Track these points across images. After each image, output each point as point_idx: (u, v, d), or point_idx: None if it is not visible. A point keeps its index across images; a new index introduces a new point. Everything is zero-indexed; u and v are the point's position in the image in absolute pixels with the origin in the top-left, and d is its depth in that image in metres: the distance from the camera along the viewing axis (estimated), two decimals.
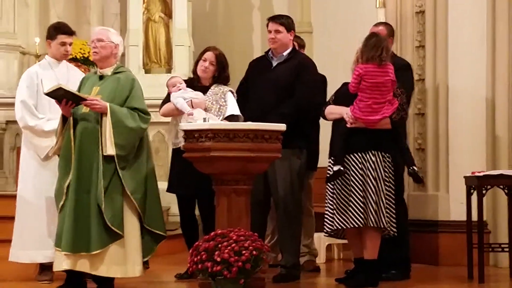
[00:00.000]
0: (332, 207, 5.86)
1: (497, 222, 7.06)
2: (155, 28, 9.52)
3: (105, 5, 10.27)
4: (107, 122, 5.38)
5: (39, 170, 5.94)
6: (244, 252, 4.96)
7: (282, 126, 5.56)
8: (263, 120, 5.69)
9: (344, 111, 5.85)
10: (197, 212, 6.41)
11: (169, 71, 9.25)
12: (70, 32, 6.20)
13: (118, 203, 5.40)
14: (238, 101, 6.18)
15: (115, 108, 5.43)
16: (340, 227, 5.82)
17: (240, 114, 5.99)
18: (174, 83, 6.28)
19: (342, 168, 5.74)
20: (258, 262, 5.04)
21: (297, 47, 6.56)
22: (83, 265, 5.37)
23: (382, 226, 5.74)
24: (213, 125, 5.44)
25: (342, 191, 5.80)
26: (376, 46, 5.77)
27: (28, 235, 5.96)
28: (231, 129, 5.39)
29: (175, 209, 6.85)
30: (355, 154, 5.78)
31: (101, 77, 5.66)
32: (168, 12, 9.55)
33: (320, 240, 7.29)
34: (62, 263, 5.39)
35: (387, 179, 5.80)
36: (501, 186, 6.30)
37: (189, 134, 5.46)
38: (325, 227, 5.93)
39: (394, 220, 5.82)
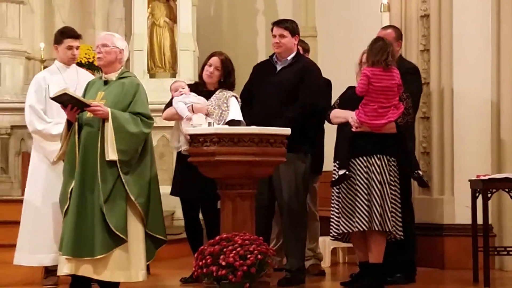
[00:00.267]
0: (337, 211, 5.86)
1: (502, 225, 7.05)
2: (159, 32, 9.54)
3: (110, 10, 10.30)
4: (109, 127, 5.38)
5: (48, 174, 5.95)
6: (249, 256, 4.97)
7: (287, 130, 5.56)
8: (268, 124, 5.69)
9: (349, 115, 5.85)
10: (201, 216, 6.41)
11: (173, 75, 9.26)
12: (76, 36, 6.23)
13: (122, 208, 5.40)
14: (241, 105, 6.18)
15: (116, 114, 5.43)
16: (345, 231, 5.81)
17: (242, 119, 5.98)
18: (177, 88, 6.29)
19: (347, 172, 5.74)
20: (263, 266, 5.04)
21: (301, 52, 6.56)
22: (86, 270, 5.36)
23: (387, 230, 5.73)
24: (218, 129, 5.44)
25: (348, 195, 5.80)
26: (382, 51, 5.78)
27: (37, 239, 5.97)
28: (236, 134, 5.39)
29: (179, 213, 6.87)
30: (360, 158, 5.78)
31: (106, 82, 5.67)
32: (172, 17, 9.57)
33: (325, 244, 7.28)
34: (63, 267, 5.39)
35: (392, 183, 5.80)
36: (506, 190, 6.28)
37: (194, 139, 5.47)
38: (331, 231, 5.93)
39: (400, 224, 5.82)
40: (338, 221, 5.85)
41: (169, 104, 6.30)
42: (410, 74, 6.25)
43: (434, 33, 7.28)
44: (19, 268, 6.49)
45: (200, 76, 6.38)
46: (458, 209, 7.07)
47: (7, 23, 9.87)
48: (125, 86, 5.59)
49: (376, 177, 5.74)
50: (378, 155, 5.78)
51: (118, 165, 5.37)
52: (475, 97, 7.16)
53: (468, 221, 6.46)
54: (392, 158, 5.83)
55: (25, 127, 9.48)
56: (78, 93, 5.67)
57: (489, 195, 6.19)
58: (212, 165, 5.41)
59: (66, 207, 5.44)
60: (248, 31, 10.20)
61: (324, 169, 6.77)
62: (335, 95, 6.42)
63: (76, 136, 5.49)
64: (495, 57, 7.13)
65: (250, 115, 6.12)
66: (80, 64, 9.03)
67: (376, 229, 5.70)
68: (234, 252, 4.98)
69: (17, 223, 7.62)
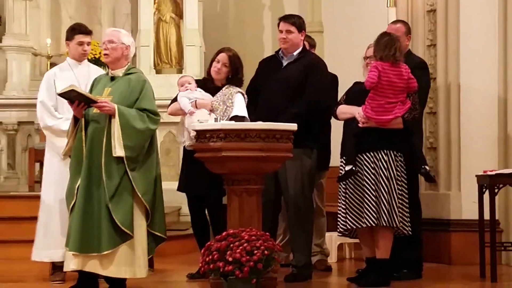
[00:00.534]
0: (344, 206, 5.86)
1: (509, 220, 7.04)
2: (166, 28, 9.54)
3: (116, 6, 10.31)
4: (116, 124, 5.39)
5: (59, 169, 5.96)
6: (255, 251, 4.97)
7: (293, 126, 5.55)
8: (273, 119, 5.69)
9: (355, 111, 5.84)
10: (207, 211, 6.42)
11: (180, 71, 9.27)
12: (86, 32, 6.25)
13: (128, 204, 5.41)
14: (247, 102, 6.17)
15: (123, 110, 5.44)
16: (353, 227, 5.81)
17: (247, 116, 5.97)
18: (183, 83, 6.31)
19: (354, 168, 5.74)
20: (270, 262, 5.04)
21: (307, 47, 6.55)
22: (92, 266, 5.38)
23: (395, 226, 5.73)
24: (224, 125, 5.44)
25: (355, 190, 5.80)
26: (389, 46, 5.77)
27: (48, 234, 6.00)
28: (242, 129, 5.39)
29: (186, 209, 6.87)
30: (368, 154, 5.78)
31: (113, 78, 5.68)
32: (179, 13, 9.57)
33: (332, 240, 7.28)
34: (70, 263, 5.41)
35: (399, 178, 5.80)
36: None
37: (200, 134, 5.47)
38: (338, 226, 5.93)
39: (407, 220, 5.81)
40: (345, 217, 5.85)
41: (175, 99, 6.31)
42: (419, 69, 6.23)
43: (440, 28, 7.26)
44: (26, 264, 6.51)
45: (208, 72, 6.38)
46: (465, 205, 7.06)
47: (14, 19, 9.90)
48: (132, 82, 5.60)
49: (384, 172, 5.74)
50: (385, 151, 5.78)
51: (125, 161, 5.39)
52: (482, 92, 7.14)
53: (475, 216, 6.46)
54: (399, 154, 5.83)
55: (32, 123, 9.63)
56: (88, 89, 5.69)
57: (496, 190, 6.18)
58: (219, 160, 5.42)
59: (72, 203, 5.46)
60: (254, 26, 10.19)
61: (331, 164, 6.78)
62: (341, 90, 6.42)
63: (83, 132, 5.50)
64: (502, 52, 7.11)
65: (256, 111, 6.12)
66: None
67: (384, 224, 5.70)
68: (240, 247, 4.98)
69: (23, 219, 7.69)
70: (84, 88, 5.79)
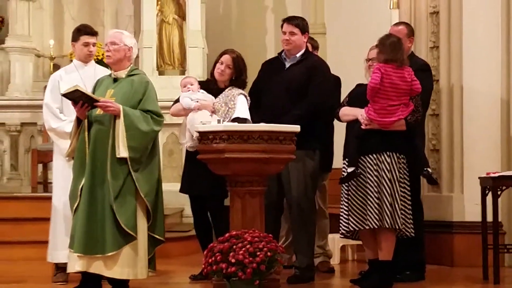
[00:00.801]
0: (347, 208, 5.86)
1: None
2: (168, 29, 9.55)
3: (119, 7, 10.32)
4: (120, 124, 5.40)
5: (65, 171, 5.96)
6: (258, 253, 4.97)
7: (296, 128, 5.55)
8: (276, 121, 5.69)
9: (358, 113, 5.85)
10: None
11: (182, 72, 9.27)
12: (92, 33, 6.26)
13: (132, 206, 5.42)
14: (250, 104, 6.17)
15: (128, 111, 5.45)
16: (356, 229, 5.81)
17: (249, 117, 5.97)
18: (185, 84, 6.31)
19: (356, 170, 5.74)
20: (273, 263, 5.04)
21: (310, 49, 6.56)
22: (97, 267, 5.39)
23: (397, 227, 5.73)
24: (227, 126, 5.44)
25: (358, 192, 5.80)
26: (396, 48, 5.77)
27: (59, 236, 6.01)
28: (245, 131, 5.39)
29: (188, 210, 6.88)
30: (370, 156, 5.78)
31: (115, 80, 5.68)
32: (181, 14, 9.58)
33: (335, 241, 7.28)
34: (75, 264, 5.42)
35: (402, 180, 5.80)
36: None
37: (203, 136, 5.47)
38: (340, 228, 5.93)
39: (410, 221, 5.82)
40: (348, 219, 5.85)
41: (178, 100, 6.32)
42: (422, 71, 6.23)
43: (443, 30, 7.26)
44: (29, 264, 6.53)
45: (212, 73, 6.38)
46: (468, 207, 7.06)
47: (17, 20, 9.91)
48: (135, 83, 5.60)
49: (386, 174, 5.74)
50: (388, 153, 5.78)
51: (129, 162, 5.39)
52: (485, 94, 7.14)
53: (478, 218, 6.45)
54: (402, 156, 5.83)
55: (34, 124, 9.64)
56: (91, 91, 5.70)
57: (498, 192, 6.17)
58: (222, 162, 5.42)
59: (76, 204, 5.46)
60: (257, 28, 10.20)
61: (333, 166, 6.78)
62: (344, 92, 6.42)
63: (86, 134, 5.51)
64: (504, 54, 7.11)
65: (259, 112, 6.12)
66: None
67: (387, 226, 5.70)
68: (243, 249, 4.98)
69: (26, 220, 7.71)
70: (89, 89, 5.80)
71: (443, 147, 7.24)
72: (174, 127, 8.49)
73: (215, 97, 6.23)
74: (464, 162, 7.14)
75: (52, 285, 6.05)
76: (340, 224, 5.92)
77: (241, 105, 6.11)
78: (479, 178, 6.42)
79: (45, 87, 6.42)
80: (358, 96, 5.93)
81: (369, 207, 5.73)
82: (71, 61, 7.43)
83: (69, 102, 5.60)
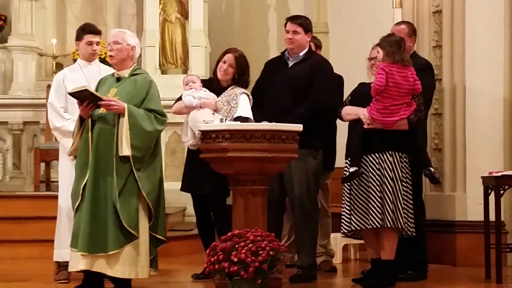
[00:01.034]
0: (349, 207, 5.85)
1: None
2: (171, 28, 9.54)
3: (122, 6, 10.32)
4: (125, 123, 5.40)
5: (70, 170, 5.96)
6: (261, 252, 4.97)
7: (299, 127, 5.55)
8: (279, 120, 5.69)
9: (361, 112, 5.84)
10: None
11: (185, 71, 9.27)
12: (95, 32, 6.26)
13: (134, 205, 5.42)
14: (252, 103, 6.17)
15: (132, 110, 5.45)
16: (357, 228, 5.81)
17: (251, 117, 5.97)
18: (188, 82, 6.31)
19: (358, 170, 5.73)
20: (275, 263, 5.04)
21: (313, 48, 6.55)
22: (100, 266, 5.39)
23: (400, 227, 5.73)
24: (230, 125, 5.44)
25: (360, 191, 5.79)
26: (402, 48, 5.77)
27: (63, 235, 6.01)
28: (248, 130, 5.39)
29: (191, 209, 6.88)
30: (372, 155, 5.77)
31: (119, 79, 5.68)
32: (184, 13, 9.58)
33: (337, 241, 7.28)
34: (78, 263, 5.42)
35: (404, 179, 5.79)
36: None
37: (206, 135, 5.47)
38: (342, 228, 5.93)
39: (411, 221, 5.81)
40: (350, 218, 5.85)
41: (180, 98, 6.32)
42: (424, 71, 6.23)
43: (446, 29, 7.25)
44: (31, 263, 6.53)
45: (214, 72, 6.38)
46: (470, 206, 7.05)
47: (20, 19, 9.91)
48: (138, 83, 5.60)
49: (389, 173, 5.73)
50: (390, 152, 5.78)
51: (131, 161, 5.40)
52: (488, 94, 7.13)
53: (480, 218, 6.45)
54: (404, 155, 5.83)
55: (37, 123, 9.65)
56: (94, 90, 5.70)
57: (501, 191, 6.17)
58: (224, 161, 5.42)
59: (77, 203, 5.47)
60: (260, 27, 10.19)
61: (336, 165, 6.77)
62: (347, 91, 6.41)
63: (90, 133, 5.51)
64: (507, 53, 7.10)
65: (262, 111, 6.12)
66: None
67: (389, 225, 5.70)
68: (246, 248, 4.98)
69: (29, 218, 7.72)
70: (93, 88, 5.81)
71: (445, 147, 7.24)
72: (176, 126, 8.49)
73: (218, 96, 6.22)
74: (467, 162, 7.13)
75: (54, 283, 6.05)
76: (342, 224, 5.91)
77: (243, 104, 6.10)
78: (482, 177, 6.42)
79: (48, 86, 6.44)
80: (361, 95, 5.93)
81: (371, 207, 5.72)
82: (74, 60, 7.45)
83: (74, 101, 5.61)
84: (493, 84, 7.12)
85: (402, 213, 5.73)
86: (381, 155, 5.77)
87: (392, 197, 5.71)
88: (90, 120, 5.52)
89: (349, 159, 5.86)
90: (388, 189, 5.72)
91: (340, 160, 6.29)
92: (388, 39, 5.84)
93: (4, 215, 7.75)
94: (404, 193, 5.78)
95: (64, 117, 6.12)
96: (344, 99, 6.24)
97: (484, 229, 6.39)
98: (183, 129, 6.37)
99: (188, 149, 6.24)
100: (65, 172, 6.06)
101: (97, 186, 5.42)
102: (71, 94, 5.50)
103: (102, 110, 5.50)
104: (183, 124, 6.35)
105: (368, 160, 5.78)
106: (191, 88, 6.24)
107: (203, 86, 6.31)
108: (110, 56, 5.67)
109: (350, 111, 5.97)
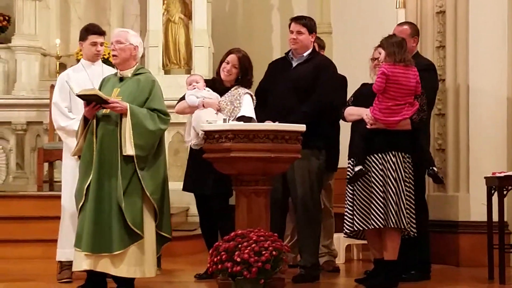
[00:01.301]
0: (351, 208, 5.85)
1: None
2: (174, 29, 9.55)
3: (125, 7, 10.33)
4: (127, 123, 5.41)
5: (74, 170, 5.96)
6: (264, 252, 4.97)
7: (302, 127, 5.55)
8: (283, 120, 5.69)
9: (363, 112, 5.84)
10: None
11: (188, 72, 9.27)
12: (100, 32, 6.27)
13: (138, 204, 5.43)
14: (256, 103, 6.17)
15: (135, 109, 5.46)
16: (360, 228, 5.81)
17: (254, 117, 5.97)
18: (191, 82, 6.32)
19: (363, 168, 5.73)
20: (278, 263, 5.04)
21: (317, 48, 6.55)
22: (104, 266, 5.40)
23: (403, 227, 5.73)
24: (233, 125, 5.45)
25: (363, 192, 5.79)
26: (404, 48, 5.78)
27: (67, 235, 6.02)
28: (251, 130, 5.40)
29: (194, 209, 6.88)
30: (376, 155, 5.77)
31: (121, 79, 5.69)
32: (187, 13, 9.58)
33: (340, 241, 7.28)
34: (82, 263, 5.43)
35: (407, 179, 5.79)
36: None
37: (209, 135, 5.48)
38: (344, 228, 5.92)
39: (414, 221, 5.81)
40: (352, 218, 5.84)
41: (183, 97, 6.32)
42: (426, 71, 6.23)
43: (450, 29, 7.25)
44: (34, 263, 6.53)
45: (218, 72, 6.38)
46: (474, 206, 7.04)
47: (23, 19, 9.92)
48: (141, 82, 5.61)
49: (392, 174, 5.73)
50: (393, 152, 5.78)
51: (135, 161, 5.40)
52: (491, 94, 7.13)
53: (484, 218, 6.44)
54: (407, 155, 5.83)
55: (40, 123, 9.65)
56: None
57: (504, 192, 6.17)
58: (227, 161, 5.42)
59: (81, 203, 5.47)
60: (263, 27, 10.19)
61: (339, 165, 6.77)
62: (350, 92, 6.41)
63: (94, 133, 5.51)
64: (511, 53, 7.10)
65: (265, 111, 6.12)
66: None
67: (392, 226, 5.69)
68: (249, 248, 4.98)
69: (32, 218, 7.73)
70: (96, 88, 5.81)
71: (449, 147, 7.23)
72: (179, 126, 8.49)
73: (221, 96, 6.22)
74: (470, 162, 7.13)
75: (57, 283, 6.06)
76: (345, 224, 5.91)
77: (246, 104, 6.11)
78: (485, 178, 6.42)
79: (52, 86, 6.44)
80: (363, 96, 5.93)
81: (374, 207, 5.72)
82: (78, 60, 7.45)
83: (78, 101, 5.61)
84: (497, 85, 7.12)
85: (405, 213, 5.73)
86: (384, 155, 5.76)
87: (395, 198, 5.71)
88: (94, 120, 5.53)
89: (352, 159, 5.86)
90: (392, 190, 5.71)
91: (343, 160, 6.28)
92: (389, 40, 5.85)
93: (7, 215, 7.76)
94: (407, 193, 5.78)
95: (69, 117, 6.13)
96: (347, 99, 6.24)
97: (487, 230, 6.38)
98: (186, 129, 6.37)
99: (191, 148, 6.25)
100: (69, 172, 6.07)
101: (101, 186, 5.42)
102: (80, 96, 5.50)
103: (105, 111, 5.51)
104: (186, 124, 6.36)
105: (371, 160, 5.78)
106: (195, 88, 6.25)
107: (206, 86, 6.31)
108: (113, 55, 5.67)
109: (352, 112, 5.97)
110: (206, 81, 6.41)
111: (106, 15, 10.26)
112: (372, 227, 5.74)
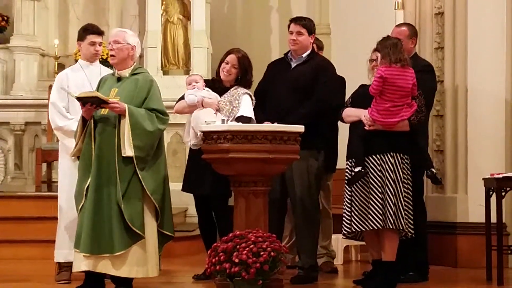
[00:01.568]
0: (350, 209, 5.85)
1: None
2: (173, 29, 9.55)
3: (124, 7, 10.32)
4: (126, 123, 5.41)
5: (71, 170, 5.96)
6: (262, 253, 4.97)
7: (300, 128, 5.56)
8: (282, 121, 5.69)
9: (361, 114, 5.84)
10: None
11: (187, 72, 9.27)
12: (98, 32, 6.26)
13: (138, 204, 5.43)
14: (255, 104, 6.17)
15: (133, 110, 5.45)
16: (358, 229, 5.81)
17: (253, 117, 5.97)
18: (191, 81, 6.32)
19: (363, 169, 5.73)
20: (276, 263, 5.04)
21: (315, 49, 6.56)
22: (104, 267, 5.39)
23: (401, 228, 5.73)
24: (231, 126, 5.45)
25: (361, 193, 5.79)
26: (399, 49, 5.78)
27: (64, 235, 6.01)
28: (249, 131, 5.40)
29: (192, 210, 6.88)
30: (374, 156, 5.77)
31: (119, 79, 5.68)
32: (186, 14, 9.58)
33: (338, 242, 7.28)
34: (81, 264, 5.42)
35: (405, 180, 5.79)
36: None
37: (207, 136, 5.48)
38: (343, 229, 5.92)
39: (412, 222, 5.81)
40: (350, 220, 5.84)
41: (182, 97, 6.32)
42: (424, 72, 6.23)
43: (448, 31, 7.25)
44: (32, 263, 6.52)
45: (217, 73, 6.38)
46: (472, 208, 7.05)
47: (22, 19, 9.91)
48: (139, 82, 5.61)
49: (390, 175, 5.73)
50: (392, 153, 5.78)
51: (135, 161, 5.40)
52: (490, 95, 7.13)
53: (482, 219, 6.45)
54: (405, 156, 5.83)
55: (39, 123, 9.65)
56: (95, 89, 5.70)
57: (503, 193, 6.17)
58: (226, 162, 5.42)
59: (81, 204, 5.46)
60: (262, 28, 10.19)
61: (338, 166, 6.77)
62: (348, 93, 6.41)
63: (92, 133, 5.51)
64: (509, 55, 7.10)
65: (264, 111, 6.12)
66: None
67: (390, 227, 5.70)
68: (247, 249, 4.98)
69: (30, 219, 7.72)
70: (94, 88, 5.80)
71: (447, 148, 7.23)
72: (178, 126, 8.49)
73: (220, 96, 6.22)
74: (468, 163, 7.13)
75: (55, 284, 6.05)
76: (343, 225, 5.91)
77: (245, 104, 6.11)
78: (483, 179, 6.42)
79: (50, 86, 6.43)
80: (361, 97, 5.93)
81: (372, 208, 5.72)
82: (76, 60, 7.43)
83: (76, 101, 5.60)
84: (495, 86, 7.12)
85: (403, 214, 5.73)
86: (382, 157, 5.77)
87: (393, 199, 5.71)
88: (92, 121, 5.52)
89: (351, 160, 5.86)
90: (390, 191, 5.71)
91: (342, 161, 6.29)
92: (383, 42, 5.85)
93: (5, 215, 7.75)
94: (405, 194, 5.78)
95: (66, 117, 6.12)
96: (346, 100, 6.24)
97: (485, 231, 6.38)
98: (185, 129, 6.37)
99: (190, 149, 6.25)
100: (66, 172, 6.06)
101: (101, 187, 5.42)
102: (79, 98, 5.49)
103: (104, 111, 5.51)
104: (185, 124, 6.36)
105: (369, 161, 5.78)
106: (194, 88, 6.25)
107: (206, 87, 6.31)
108: (111, 56, 5.67)
109: (351, 113, 5.97)
110: (206, 81, 6.41)
111: (104, 15, 10.25)
112: (370, 228, 5.74)
